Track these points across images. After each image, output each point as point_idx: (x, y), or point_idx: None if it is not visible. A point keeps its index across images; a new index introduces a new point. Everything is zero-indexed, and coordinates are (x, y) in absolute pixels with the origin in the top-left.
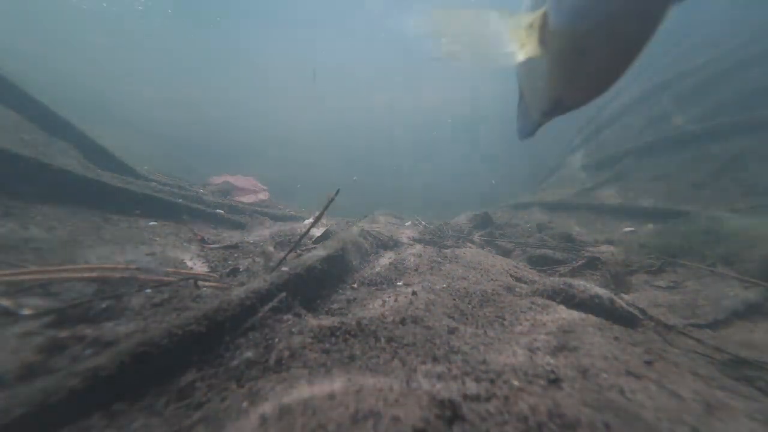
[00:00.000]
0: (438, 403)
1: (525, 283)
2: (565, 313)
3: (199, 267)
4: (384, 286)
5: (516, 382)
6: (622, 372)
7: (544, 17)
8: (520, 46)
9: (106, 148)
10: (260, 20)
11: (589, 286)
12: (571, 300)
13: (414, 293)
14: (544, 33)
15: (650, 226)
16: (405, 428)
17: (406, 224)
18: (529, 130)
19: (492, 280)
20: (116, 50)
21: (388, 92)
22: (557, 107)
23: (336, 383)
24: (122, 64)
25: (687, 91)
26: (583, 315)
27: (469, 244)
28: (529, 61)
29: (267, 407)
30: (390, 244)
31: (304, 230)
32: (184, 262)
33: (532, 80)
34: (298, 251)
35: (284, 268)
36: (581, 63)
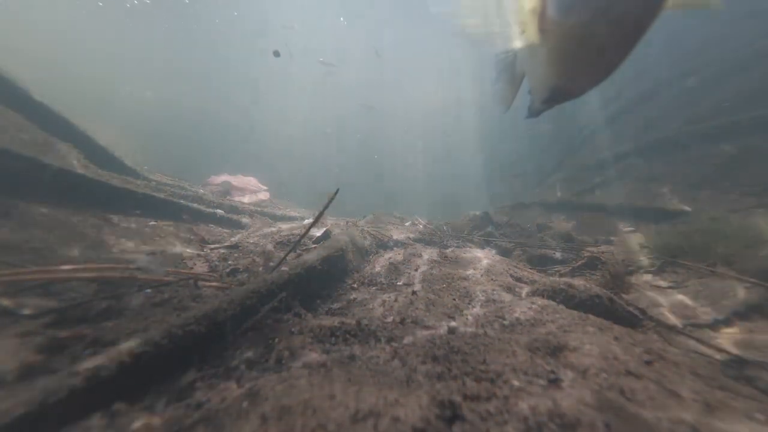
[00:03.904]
0: (438, 403)
1: (525, 283)
2: (566, 313)
3: (199, 267)
4: (384, 285)
5: (516, 382)
6: (622, 372)
7: (544, 4)
8: (521, 31)
9: (106, 148)
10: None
11: (589, 286)
12: (571, 300)
13: (414, 293)
14: (544, 20)
15: (650, 226)
16: (405, 428)
17: (406, 224)
18: (531, 113)
19: (492, 280)
20: (116, 51)
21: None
22: (556, 95)
23: (336, 383)
24: (122, 64)
25: (687, 90)
26: (583, 315)
27: (469, 244)
28: (529, 48)
29: (267, 407)
30: (390, 244)
31: (304, 230)
32: (184, 262)
33: (532, 67)
34: (298, 251)
35: (284, 268)
36: (579, 52)
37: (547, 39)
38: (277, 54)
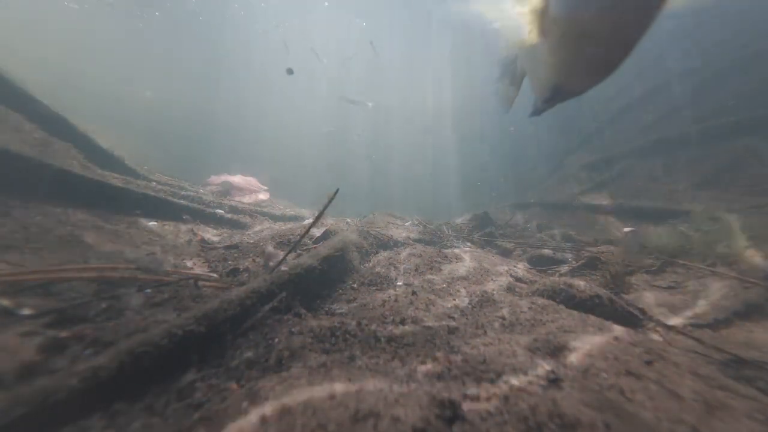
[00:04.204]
0: (438, 403)
1: (525, 283)
2: (566, 313)
3: (199, 267)
4: (384, 285)
5: (516, 382)
6: (622, 372)
7: (546, 2)
8: (525, 31)
9: (105, 148)
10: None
11: (589, 286)
12: (571, 300)
13: (414, 293)
14: (545, 19)
15: (650, 226)
16: (405, 428)
17: (407, 224)
18: (534, 112)
19: (492, 280)
20: (116, 51)
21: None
22: (558, 94)
23: (336, 383)
24: (122, 64)
25: (687, 91)
26: (583, 315)
27: (470, 244)
28: (531, 48)
29: (267, 407)
30: (390, 244)
31: (304, 230)
32: (184, 262)
33: (534, 67)
34: (298, 251)
35: (284, 268)
36: (580, 50)
37: (549, 38)
38: (290, 72)
